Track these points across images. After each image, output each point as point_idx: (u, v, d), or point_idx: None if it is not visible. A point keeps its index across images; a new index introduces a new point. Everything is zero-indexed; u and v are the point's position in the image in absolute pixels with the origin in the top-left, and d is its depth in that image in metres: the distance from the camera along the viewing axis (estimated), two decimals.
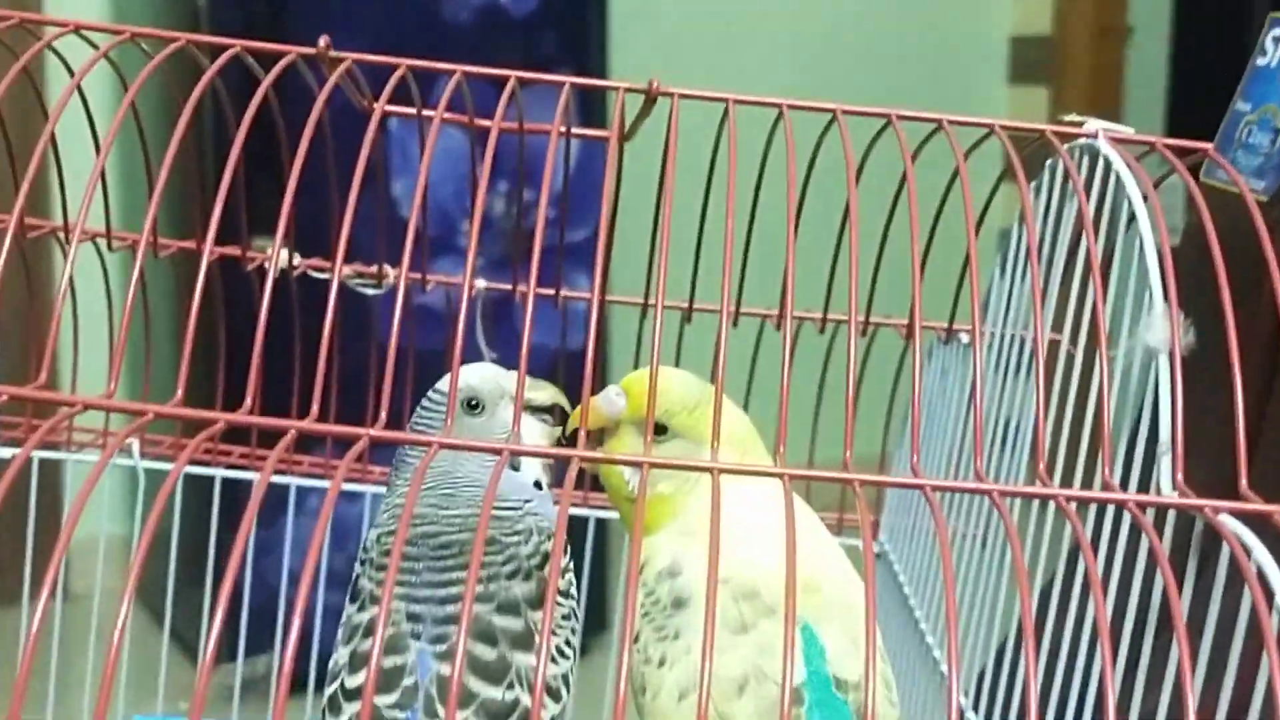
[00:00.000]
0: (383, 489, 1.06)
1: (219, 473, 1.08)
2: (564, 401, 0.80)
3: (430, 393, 0.79)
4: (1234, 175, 0.72)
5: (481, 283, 0.98)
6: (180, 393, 0.62)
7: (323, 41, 0.75)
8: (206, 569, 1.10)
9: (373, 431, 0.60)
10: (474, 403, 0.79)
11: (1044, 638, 0.74)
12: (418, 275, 0.96)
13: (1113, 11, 3.38)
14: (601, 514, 1.08)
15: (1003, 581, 0.86)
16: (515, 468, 0.79)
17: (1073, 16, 3.33)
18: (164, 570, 1.06)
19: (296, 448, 1.08)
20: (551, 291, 0.97)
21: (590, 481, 1.08)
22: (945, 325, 0.96)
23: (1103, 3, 3.37)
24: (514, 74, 0.76)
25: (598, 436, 0.77)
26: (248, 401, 0.62)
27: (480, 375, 0.79)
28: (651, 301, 0.95)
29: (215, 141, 2.06)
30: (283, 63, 0.74)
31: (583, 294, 0.99)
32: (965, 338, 0.96)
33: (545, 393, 0.80)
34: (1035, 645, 0.53)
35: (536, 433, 0.79)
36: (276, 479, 1.07)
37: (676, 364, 0.97)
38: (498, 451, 0.59)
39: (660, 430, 0.75)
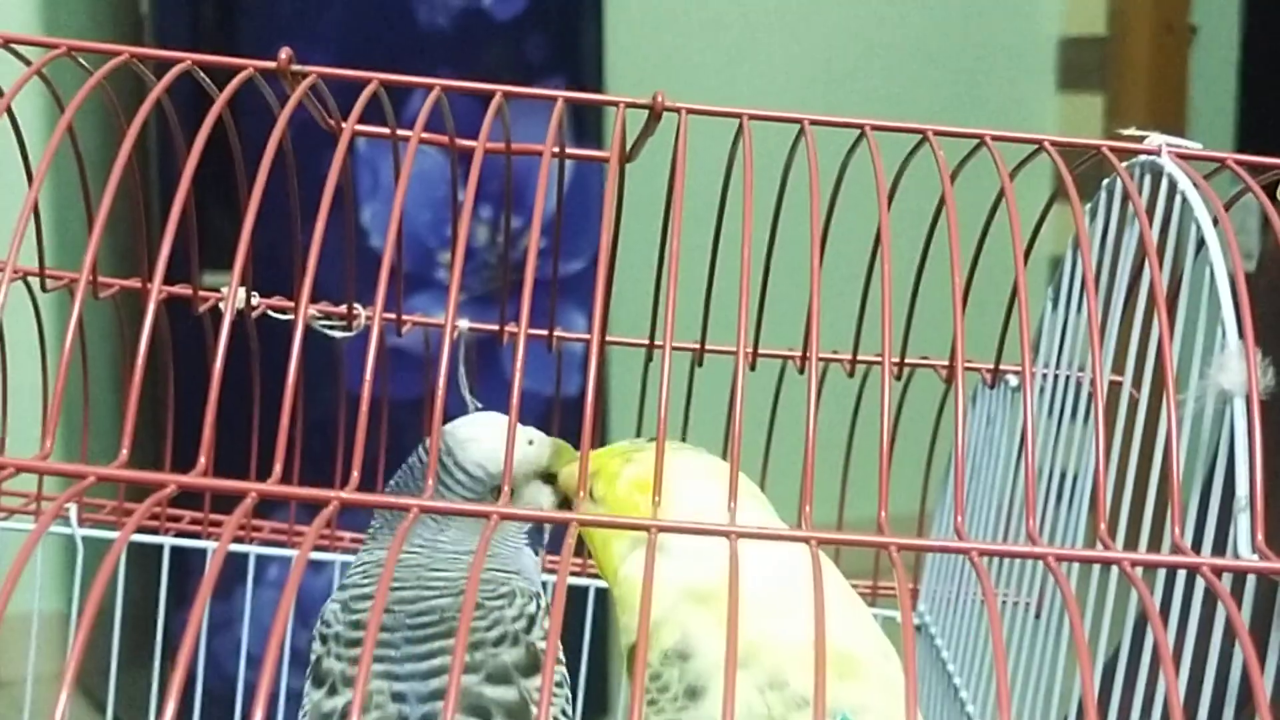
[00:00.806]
0: (351, 557, 1.07)
1: (167, 541, 1.08)
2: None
3: (448, 458, 0.79)
4: None
5: (465, 323, 0.98)
6: (124, 452, 0.62)
7: (284, 54, 0.75)
8: (154, 650, 1.10)
9: (343, 494, 0.60)
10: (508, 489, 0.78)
11: None
12: (392, 315, 0.96)
13: (1175, 8, 3.39)
14: (602, 584, 1.08)
15: (1060, 656, 0.86)
16: (537, 551, 0.80)
17: (1130, 14, 3.34)
18: (105, 651, 1.06)
19: (256, 512, 1.09)
20: (544, 332, 0.97)
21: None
22: (991, 366, 0.96)
23: None
24: (500, 89, 0.76)
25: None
26: (201, 461, 0.62)
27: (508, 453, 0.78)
28: (658, 342, 0.95)
29: (161, 167, 2.06)
30: (238, 79, 0.74)
31: (580, 335, 0.99)
32: (1014, 380, 0.96)
33: (565, 455, 0.81)
34: None
35: (547, 502, 0.80)
36: (234, 548, 1.07)
37: (686, 411, 0.98)
38: (486, 515, 0.59)
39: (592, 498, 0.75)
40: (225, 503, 0.65)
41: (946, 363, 0.97)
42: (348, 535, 1.08)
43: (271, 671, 0.52)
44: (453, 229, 0.65)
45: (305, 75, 0.75)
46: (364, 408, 0.63)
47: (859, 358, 0.96)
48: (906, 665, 0.55)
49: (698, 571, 0.72)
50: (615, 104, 0.77)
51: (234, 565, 1.06)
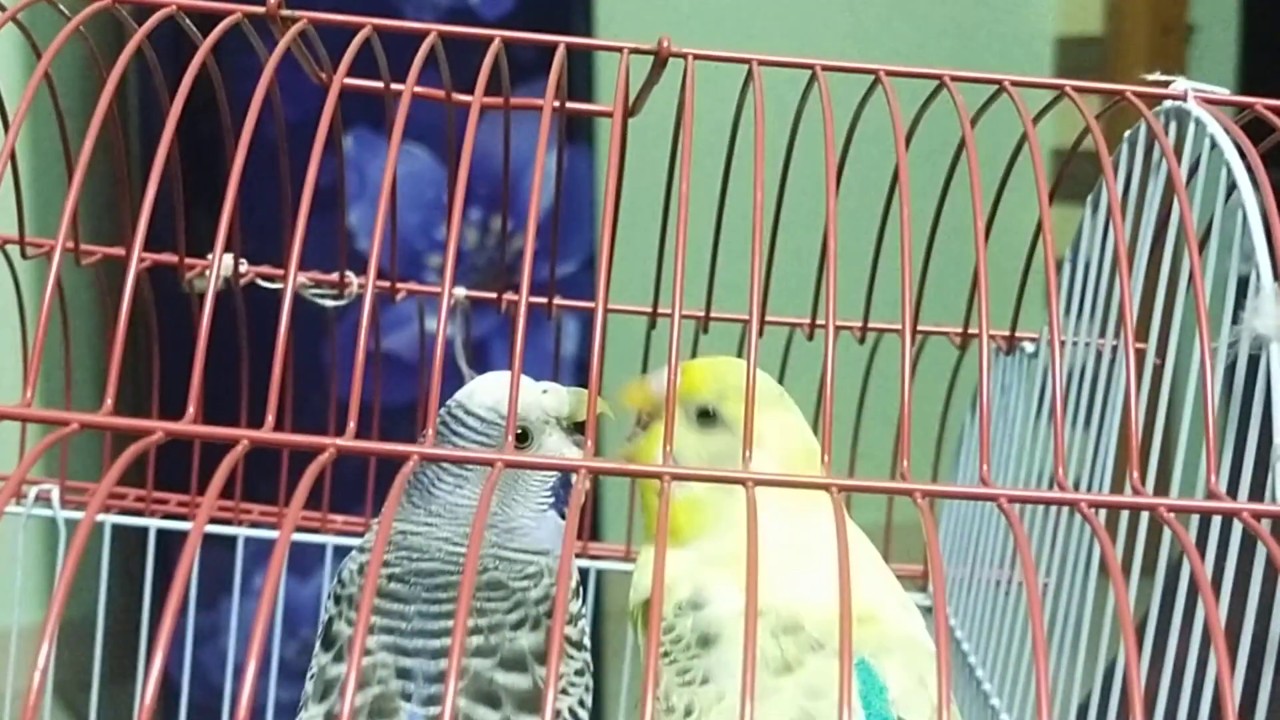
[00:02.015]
0: (344, 540, 1.04)
1: (153, 523, 1.05)
2: (612, 414, 0.77)
3: (455, 408, 0.75)
4: None
5: (462, 291, 0.96)
6: (109, 401, 0.60)
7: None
8: (138, 659, 1.08)
9: (340, 441, 0.57)
10: (521, 432, 0.76)
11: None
12: (386, 283, 0.94)
13: (1173, 8, 3.38)
14: (604, 565, 1.05)
15: (1081, 639, 0.84)
16: (565, 515, 0.75)
17: (1127, 13, 3.33)
18: (87, 664, 1.03)
19: (245, 493, 1.07)
20: (544, 300, 0.95)
21: (590, 528, 1.06)
22: (1007, 333, 0.94)
23: None
24: (498, 34, 0.74)
25: (643, 422, 0.76)
26: (190, 411, 0.59)
27: (523, 399, 0.74)
28: (662, 310, 0.93)
29: (143, 124, 2.00)
30: (225, 23, 0.71)
31: (582, 303, 0.97)
32: (1030, 347, 0.94)
33: (587, 403, 0.76)
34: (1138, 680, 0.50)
35: (572, 454, 0.76)
36: (222, 529, 1.05)
37: None
38: (490, 463, 0.57)
39: (707, 416, 0.73)
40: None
41: (960, 330, 0.95)
42: (340, 518, 1.06)
43: (260, 642, 0.49)
44: (449, 192, 0.63)
45: (295, 20, 0.73)
46: (359, 361, 0.61)
47: (870, 325, 0.94)
48: (936, 611, 0.53)
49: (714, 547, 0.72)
50: (619, 49, 0.75)
51: (219, 572, 1.04)
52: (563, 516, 0.75)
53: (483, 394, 0.75)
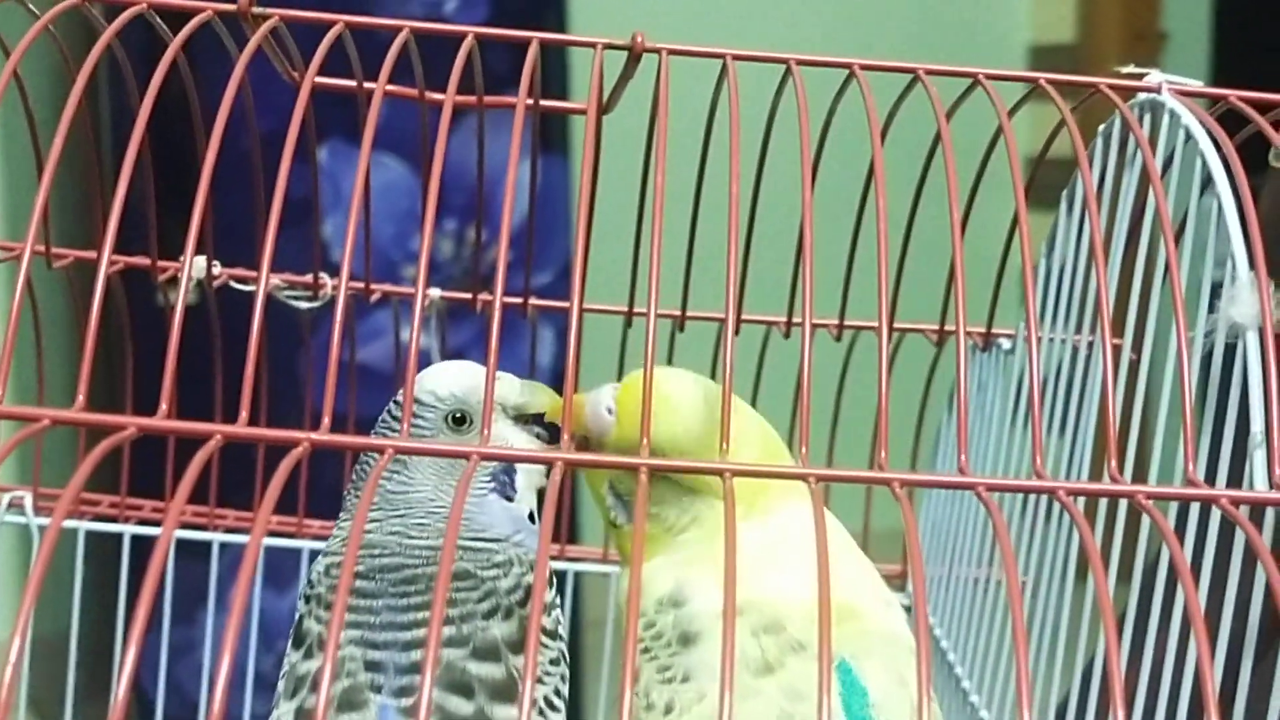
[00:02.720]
0: (321, 545, 1.03)
1: (127, 529, 1.05)
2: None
3: (399, 395, 0.75)
4: None
5: (436, 291, 0.96)
6: (81, 398, 0.59)
7: None
8: (114, 674, 1.07)
9: (314, 435, 0.57)
10: (460, 416, 0.75)
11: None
12: (361, 284, 0.94)
13: (1145, 15, 3.39)
14: (582, 567, 1.05)
15: (1060, 633, 0.84)
16: (509, 498, 0.76)
17: (1099, 22, 3.34)
18: (62, 681, 1.02)
19: (220, 500, 1.06)
20: (519, 300, 0.95)
21: (568, 530, 1.06)
22: (983, 329, 0.94)
23: (1133, 6, 3.37)
24: (471, 30, 0.73)
25: (583, 446, 0.75)
26: (163, 407, 0.59)
27: (465, 382, 0.76)
28: (638, 309, 0.92)
29: (115, 127, 1.99)
30: (196, 20, 0.71)
31: (556, 303, 0.96)
32: (1006, 343, 0.94)
33: (540, 397, 0.76)
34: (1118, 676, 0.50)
35: (520, 442, 0.76)
36: (195, 534, 1.04)
37: None
38: (466, 456, 0.57)
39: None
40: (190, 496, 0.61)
41: (936, 327, 0.95)
42: (316, 523, 1.05)
43: (234, 643, 0.49)
44: (423, 190, 0.63)
45: (267, 18, 0.72)
46: (334, 357, 0.60)
47: (846, 323, 0.94)
48: (916, 603, 0.52)
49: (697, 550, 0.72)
50: (593, 45, 0.75)
51: (196, 588, 1.03)
52: (507, 499, 0.75)
53: (428, 380, 0.75)
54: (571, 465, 0.58)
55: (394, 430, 0.75)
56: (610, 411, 0.73)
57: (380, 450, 0.57)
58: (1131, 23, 3.36)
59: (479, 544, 0.73)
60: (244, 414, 0.59)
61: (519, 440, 0.75)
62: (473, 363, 0.77)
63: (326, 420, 0.59)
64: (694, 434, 0.72)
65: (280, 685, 0.72)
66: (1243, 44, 3.48)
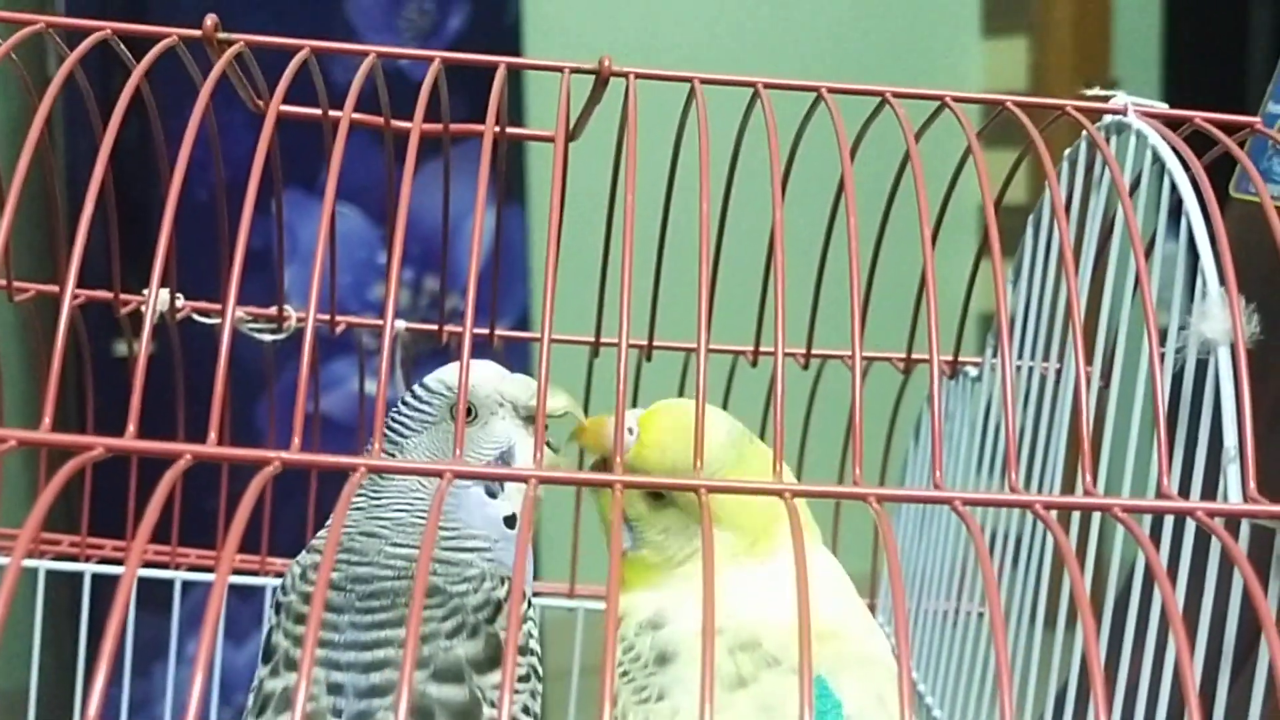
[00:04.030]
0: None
1: (88, 568, 1.03)
2: (579, 412, 0.76)
3: (417, 387, 0.76)
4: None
5: (402, 323, 0.95)
6: (47, 420, 0.59)
7: (209, 21, 0.72)
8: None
9: (285, 454, 0.56)
10: (467, 408, 0.74)
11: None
12: (325, 316, 0.93)
13: (1095, 62, 3.42)
14: (592, 605, 1.04)
15: (1032, 661, 0.84)
16: (493, 494, 0.74)
17: (1051, 69, 3.37)
18: None
19: (182, 536, 1.05)
20: (486, 331, 0.94)
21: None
22: (950, 358, 0.94)
23: (1084, 53, 3.41)
24: (438, 54, 0.73)
25: (601, 467, 0.75)
26: (130, 429, 0.58)
27: (477, 374, 0.75)
28: (606, 339, 0.92)
29: (70, 157, 1.97)
30: (160, 46, 0.71)
31: (525, 334, 0.96)
32: (973, 370, 0.94)
33: (557, 400, 0.75)
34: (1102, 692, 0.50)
35: (521, 440, 0.75)
36: (158, 573, 1.03)
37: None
38: (439, 474, 0.56)
39: (657, 495, 0.73)
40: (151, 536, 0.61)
41: (903, 356, 0.95)
42: (279, 561, 1.04)
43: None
44: (389, 216, 0.62)
45: (232, 43, 0.72)
46: (304, 371, 0.60)
47: (813, 352, 0.94)
48: (897, 624, 0.52)
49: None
50: (560, 69, 0.74)
51: (153, 642, 1.01)
52: (491, 496, 0.74)
53: (442, 371, 0.75)
54: (544, 482, 0.58)
55: (400, 421, 0.75)
56: (631, 432, 0.73)
57: (351, 468, 0.57)
58: (1082, 70, 3.39)
59: (453, 555, 0.72)
60: (213, 434, 0.59)
61: (523, 442, 0.75)
62: (492, 362, 0.77)
63: (297, 440, 0.58)
64: (717, 465, 0.72)
65: (249, 700, 0.71)
66: (1192, 90, 3.50)
